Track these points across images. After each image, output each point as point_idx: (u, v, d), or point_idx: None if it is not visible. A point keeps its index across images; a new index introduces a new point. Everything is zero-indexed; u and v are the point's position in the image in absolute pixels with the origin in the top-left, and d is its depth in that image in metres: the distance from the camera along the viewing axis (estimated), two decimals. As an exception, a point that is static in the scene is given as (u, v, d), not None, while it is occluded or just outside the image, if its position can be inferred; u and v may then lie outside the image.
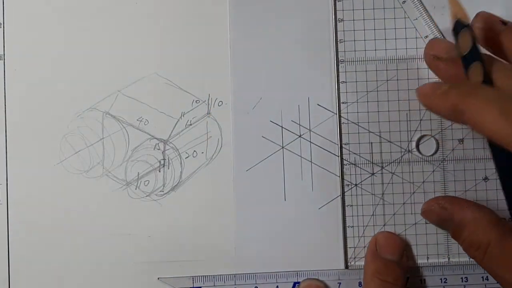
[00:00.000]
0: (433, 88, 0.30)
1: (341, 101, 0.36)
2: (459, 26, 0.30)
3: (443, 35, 0.36)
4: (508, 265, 0.27)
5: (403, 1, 0.37)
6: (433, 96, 0.29)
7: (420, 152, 0.36)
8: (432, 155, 0.36)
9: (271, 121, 0.36)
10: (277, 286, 0.36)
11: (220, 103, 0.36)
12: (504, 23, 0.31)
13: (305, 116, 0.36)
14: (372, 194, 0.36)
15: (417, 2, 0.37)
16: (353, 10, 0.37)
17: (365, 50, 0.37)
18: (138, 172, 0.36)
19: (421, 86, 0.31)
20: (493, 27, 0.30)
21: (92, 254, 0.36)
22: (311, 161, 0.36)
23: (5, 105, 0.36)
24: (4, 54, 0.36)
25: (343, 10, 0.37)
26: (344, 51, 0.36)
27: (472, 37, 0.29)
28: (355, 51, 0.37)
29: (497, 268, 0.28)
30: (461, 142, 0.36)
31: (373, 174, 0.36)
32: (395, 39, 0.37)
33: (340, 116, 0.36)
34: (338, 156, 0.36)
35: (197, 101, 0.36)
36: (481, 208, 0.30)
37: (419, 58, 0.36)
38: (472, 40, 0.29)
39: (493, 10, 0.33)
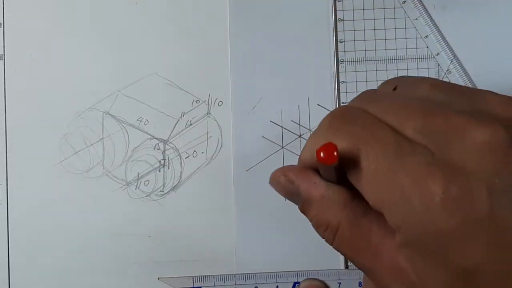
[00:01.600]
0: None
1: (341, 101, 0.36)
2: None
3: (443, 35, 0.36)
4: (360, 249, 0.24)
5: (403, 1, 0.37)
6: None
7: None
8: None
9: (271, 121, 0.36)
10: (277, 286, 0.36)
11: (220, 103, 0.36)
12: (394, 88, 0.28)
13: (305, 116, 0.36)
14: (372, 194, 0.36)
15: (417, 2, 0.36)
16: (353, 10, 0.37)
17: (365, 50, 0.37)
18: (138, 172, 0.36)
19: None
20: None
21: (92, 254, 0.36)
22: (311, 161, 0.36)
23: (5, 105, 0.36)
24: (4, 54, 0.36)
25: (343, 10, 0.37)
26: (344, 51, 0.36)
27: None
28: (355, 51, 0.37)
29: (349, 252, 0.25)
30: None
31: (373, 174, 0.36)
32: (395, 39, 0.37)
33: (340, 116, 0.36)
34: (338, 156, 0.36)
35: (197, 101, 0.36)
36: (330, 186, 0.25)
37: (419, 58, 0.36)
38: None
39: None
